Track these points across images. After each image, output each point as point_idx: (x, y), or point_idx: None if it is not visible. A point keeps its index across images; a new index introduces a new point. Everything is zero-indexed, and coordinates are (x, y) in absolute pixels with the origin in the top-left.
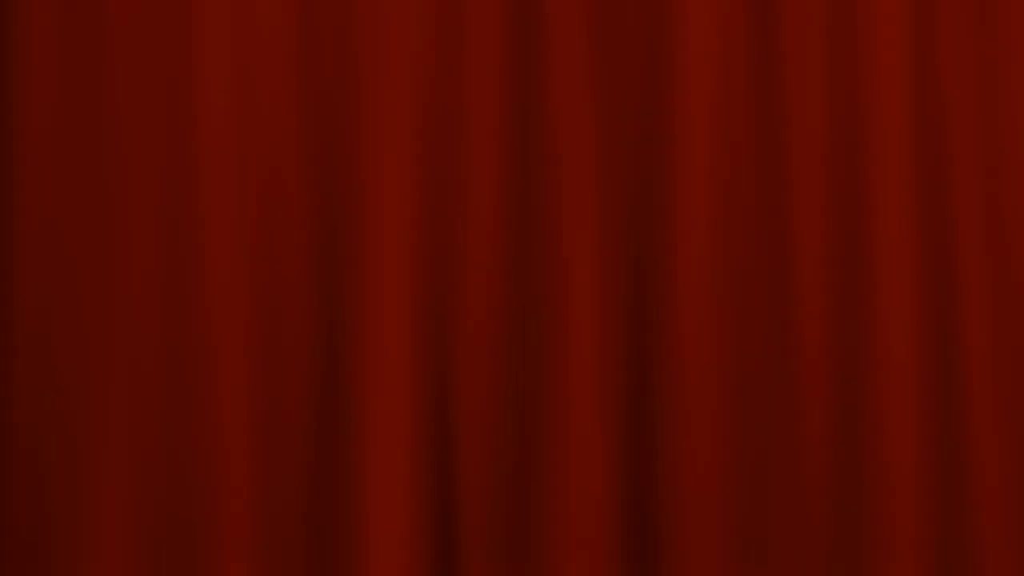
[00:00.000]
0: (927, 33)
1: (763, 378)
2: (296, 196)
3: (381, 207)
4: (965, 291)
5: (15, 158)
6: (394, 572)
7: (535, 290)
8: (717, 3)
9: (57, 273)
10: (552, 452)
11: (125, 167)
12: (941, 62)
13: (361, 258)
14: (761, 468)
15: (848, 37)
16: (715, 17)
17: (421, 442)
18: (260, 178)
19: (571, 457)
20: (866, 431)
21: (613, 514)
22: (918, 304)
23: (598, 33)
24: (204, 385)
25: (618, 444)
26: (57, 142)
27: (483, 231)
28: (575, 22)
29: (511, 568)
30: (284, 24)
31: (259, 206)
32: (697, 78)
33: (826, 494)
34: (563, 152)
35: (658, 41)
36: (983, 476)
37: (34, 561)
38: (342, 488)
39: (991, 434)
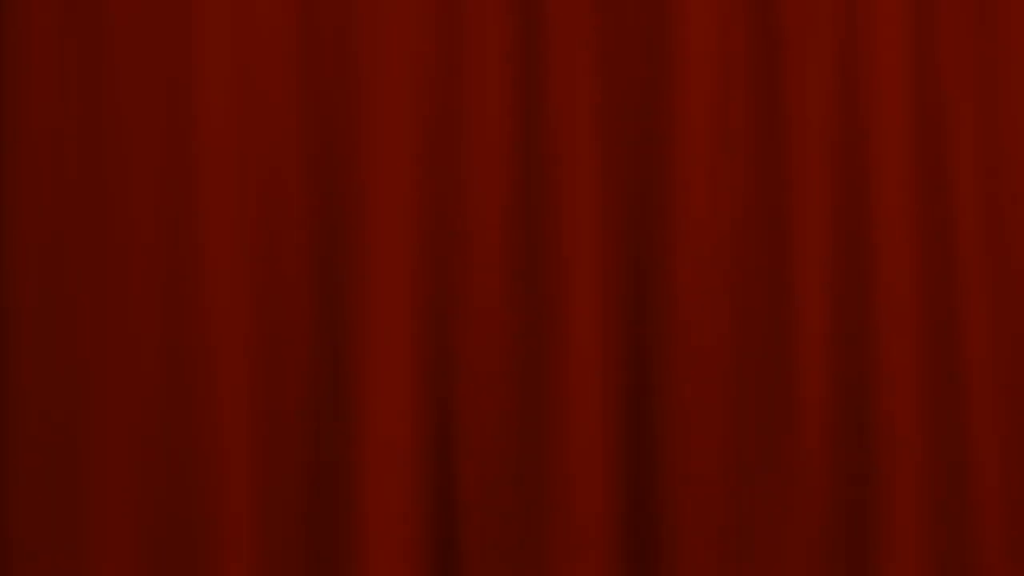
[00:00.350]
0: (927, 33)
1: (763, 378)
2: (296, 196)
3: (381, 207)
4: (965, 291)
5: (14, 158)
6: (394, 573)
7: (536, 290)
8: (717, 4)
9: (57, 273)
10: (552, 453)
11: (125, 167)
12: (941, 62)
13: (361, 258)
14: (761, 469)
15: (849, 37)
16: (715, 18)
17: (421, 442)
18: (260, 178)
19: (572, 458)
20: (866, 431)
21: (613, 514)
22: (918, 303)
23: (599, 33)
24: (204, 385)
25: (619, 445)
26: (57, 142)
27: (483, 231)
28: (576, 23)
29: (511, 569)
30: (284, 24)
31: (259, 206)
32: (697, 79)
33: (826, 494)
34: (564, 152)
35: (659, 41)
36: (983, 476)
37: (35, 561)
38: (342, 488)
39: (991, 434)
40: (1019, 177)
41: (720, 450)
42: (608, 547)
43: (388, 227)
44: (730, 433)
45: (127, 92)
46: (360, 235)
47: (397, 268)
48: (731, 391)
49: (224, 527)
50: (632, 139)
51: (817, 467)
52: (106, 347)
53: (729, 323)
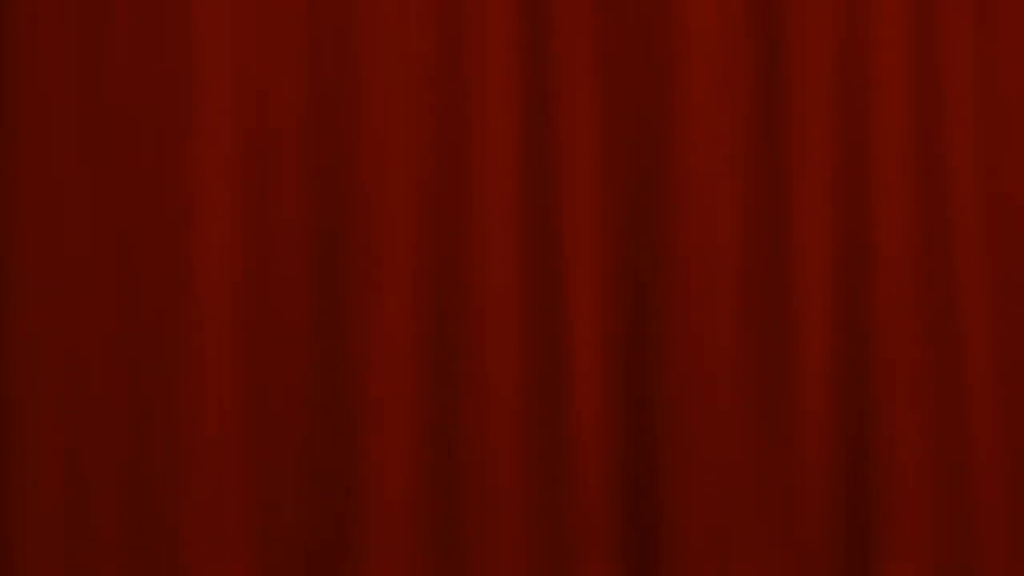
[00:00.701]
0: (927, 34)
1: (764, 380)
2: (297, 196)
3: (383, 207)
4: (965, 292)
5: (14, 155)
6: (398, 573)
7: (538, 288)
8: (719, 6)
9: (56, 271)
10: (554, 454)
11: (124, 166)
12: (941, 62)
13: (364, 258)
14: (762, 470)
15: (850, 38)
16: (716, 19)
17: (424, 444)
18: (260, 177)
19: (574, 459)
20: (867, 432)
21: (615, 516)
22: (919, 304)
23: (602, 35)
24: (202, 384)
25: (620, 447)
26: (57, 140)
27: (485, 232)
28: (578, 24)
29: (515, 569)
30: (286, 23)
31: (259, 206)
32: (699, 80)
33: (826, 495)
34: (566, 152)
35: (660, 44)
36: (984, 477)
37: (32, 559)
38: (345, 488)
39: (992, 435)
40: (1019, 177)
41: (721, 451)
42: (610, 548)
43: (390, 227)
44: (731, 435)
45: (127, 91)
46: (362, 236)
47: (399, 268)
48: (732, 393)
49: (222, 527)
50: (634, 140)
51: (818, 468)
52: (105, 344)
53: (730, 325)
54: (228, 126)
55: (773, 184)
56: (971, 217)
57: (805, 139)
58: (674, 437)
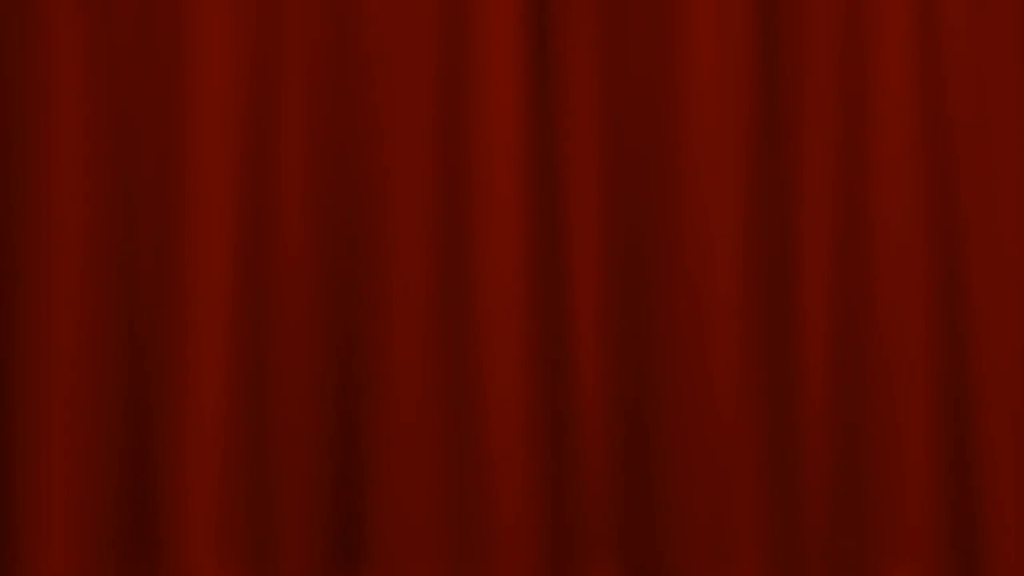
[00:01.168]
0: (931, 36)
1: (763, 378)
2: (298, 195)
3: (385, 206)
4: (969, 290)
5: (13, 154)
6: (394, 572)
7: (540, 287)
8: (723, 8)
9: (55, 268)
10: (556, 450)
11: (125, 162)
12: (944, 62)
13: (363, 256)
14: (763, 469)
15: (853, 39)
16: (721, 22)
17: (425, 442)
18: (261, 177)
19: (574, 458)
20: (870, 432)
21: (614, 514)
22: (923, 307)
23: (606, 36)
24: (202, 382)
25: (619, 445)
26: (56, 138)
27: (488, 230)
28: (584, 26)
29: (517, 569)
30: (289, 22)
31: (259, 204)
32: (702, 82)
33: (826, 494)
34: (569, 154)
35: (665, 44)
36: (986, 477)
37: (33, 558)
38: (346, 487)
39: (994, 433)
40: (1021, 176)
41: (721, 451)
42: (610, 548)
43: (390, 226)
44: (731, 434)
45: (127, 87)
46: (363, 235)
47: (400, 266)
48: (732, 392)
49: (222, 526)
50: (637, 141)
51: (818, 468)
52: (105, 341)
53: (731, 324)
54: (228, 125)
55: (775, 184)
56: (976, 217)
57: (808, 139)
58: (674, 436)
